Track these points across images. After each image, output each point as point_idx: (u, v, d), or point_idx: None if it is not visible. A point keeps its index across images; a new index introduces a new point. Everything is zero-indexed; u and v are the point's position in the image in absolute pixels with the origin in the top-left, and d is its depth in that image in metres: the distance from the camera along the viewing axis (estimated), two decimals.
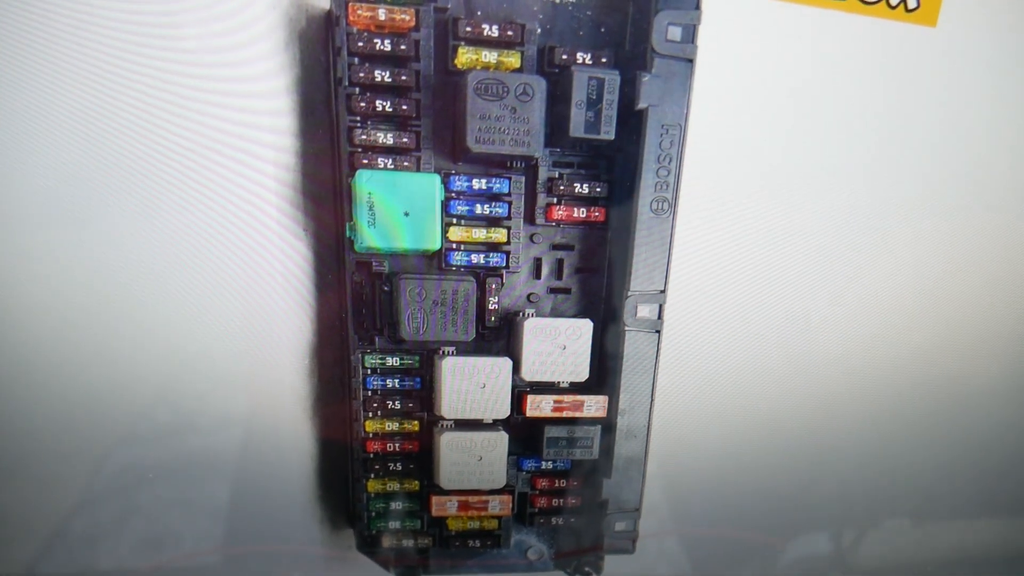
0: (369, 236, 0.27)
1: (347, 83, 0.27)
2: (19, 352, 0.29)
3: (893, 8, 0.28)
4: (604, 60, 0.28)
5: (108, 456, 0.32)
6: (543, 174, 0.29)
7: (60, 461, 0.32)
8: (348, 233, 0.28)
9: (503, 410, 0.30)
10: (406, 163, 0.28)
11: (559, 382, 0.31)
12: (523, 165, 0.29)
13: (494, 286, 0.30)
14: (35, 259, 0.28)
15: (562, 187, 0.29)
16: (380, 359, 0.30)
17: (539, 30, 0.28)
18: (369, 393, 0.31)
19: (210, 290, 0.30)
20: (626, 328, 0.30)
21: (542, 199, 0.30)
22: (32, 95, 0.27)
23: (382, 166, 0.28)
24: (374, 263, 0.29)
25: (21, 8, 0.26)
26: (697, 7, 0.27)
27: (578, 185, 0.29)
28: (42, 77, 0.26)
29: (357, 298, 0.29)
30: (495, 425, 0.31)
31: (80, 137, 0.27)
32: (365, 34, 0.26)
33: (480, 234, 0.29)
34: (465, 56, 0.27)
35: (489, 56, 0.27)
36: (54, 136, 0.27)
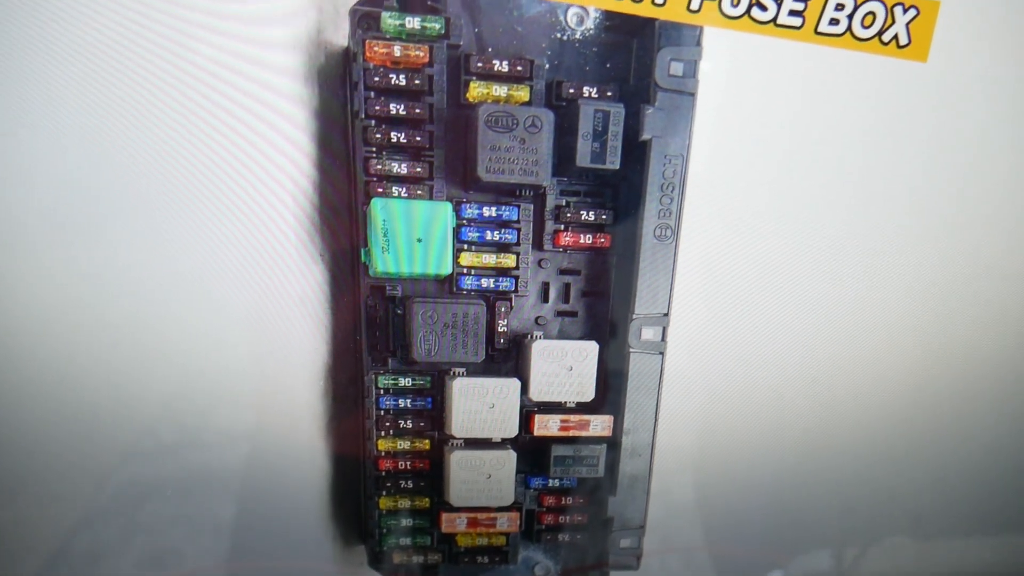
0: (383, 261, 0.28)
1: (363, 116, 0.28)
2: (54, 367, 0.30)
3: (885, 44, 0.29)
4: (609, 94, 0.29)
5: (121, 472, 0.33)
6: (551, 202, 0.30)
7: (62, 477, 0.32)
8: (363, 258, 0.29)
9: (511, 429, 0.31)
10: (419, 192, 0.29)
11: (566, 402, 0.32)
12: (531, 193, 0.30)
13: (503, 309, 0.31)
14: (44, 274, 0.29)
15: (569, 214, 0.30)
16: (392, 379, 0.31)
17: (547, 65, 0.29)
18: (382, 412, 0.31)
19: (230, 312, 0.31)
20: (630, 350, 0.31)
21: (550, 226, 0.30)
22: (36, 107, 0.27)
23: (396, 195, 0.28)
24: (388, 287, 0.30)
25: (26, 18, 0.26)
26: (698, 44, 0.28)
27: (584, 212, 0.30)
28: (46, 88, 0.27)
29: (371, 321, 0.30)
30: (503, 444, 0.32)
31: (87, 153, 0.28)
32: (381, 69, 0.27)
33: (490, 259, 0.30)
34: (476, 90, 0.28)
35: (499, 90, 0.28)
36: (59, 150, 0.27)
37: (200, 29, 0.28)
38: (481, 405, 0.30)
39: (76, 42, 0.27)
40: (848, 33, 0.29)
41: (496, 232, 0.30)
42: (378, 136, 0.28)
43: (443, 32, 0.27)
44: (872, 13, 0.28)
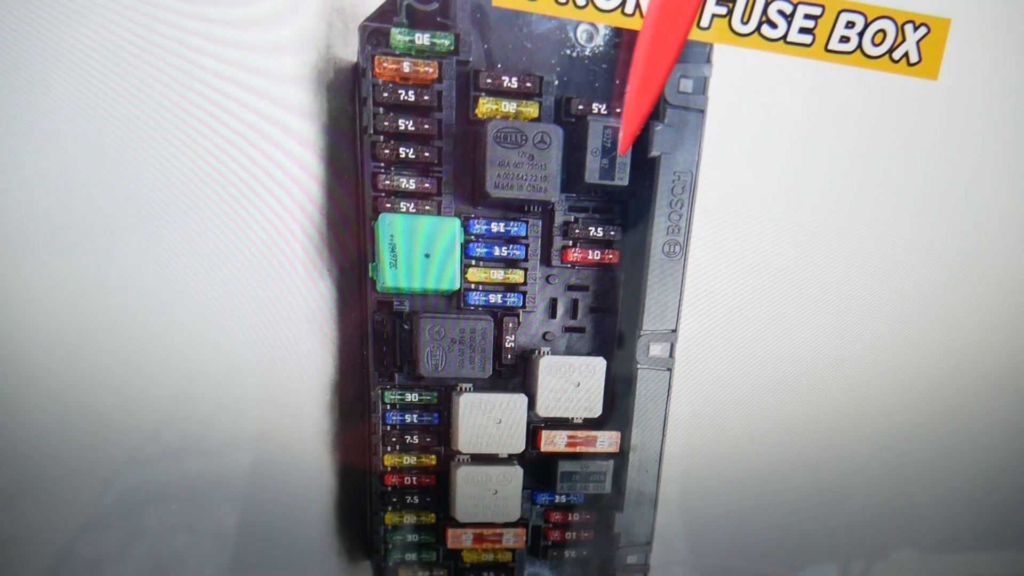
0: (391, 276, 0.28)
1: (372, 131, 0.28)
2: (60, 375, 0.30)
3: (896, 62, 0.29)
4: (619, 110, 0.29)
5: (125, 484, 0.33)
6: (559, 218, 0.30)
7: (70, 483, 0.32)
8: (371, 273, 0.29)
9: (518, 445, 0.31)
10: (427, 207, 0.29)
11: (573, 418, 0.32)
12: (540, 209, 0.30)
13: (511, 325, 0.31)
14: (50, 282, 0.29)
15: (577, 230, 0.30)
16: (399, 395, 0.31)
17: (556, 82, 0.29)
18: (388, 428, 0.31)
19: (237, 326, 0.31)
20: (638, 366, 0.31)
21: (558, 242, 0.30)
22: (41, 117, 0.27)
23: (404, 210, 0.29)
24: (395, 302, 0.30)
25: (29, 24, 0.26)
26: (708, 61, 0.28)
27: (593, 228, 0.30)
28: (51, 97, 0.27)
29: (378, 335, 0.30)
30: (510, 460, 0.32)
31: (93, 161, 0.28)
32: (390, 85, 0.27)
33: (498, 275, 0.30)
34: (485, 106, 0.28)
35: (508, 106, 0.28)
36: (67, 158, 0.27)
37: (208, 42, 0.28)
38: (488, 420, 0.30)
39: (83, 50, 0.27)
40: (858, 51, 0.29)
41: (504, 248, 0.30)
42: (387, 151, 0.28)
43: (452, 48, 0.27)
44: (883, 31, 0.28)
